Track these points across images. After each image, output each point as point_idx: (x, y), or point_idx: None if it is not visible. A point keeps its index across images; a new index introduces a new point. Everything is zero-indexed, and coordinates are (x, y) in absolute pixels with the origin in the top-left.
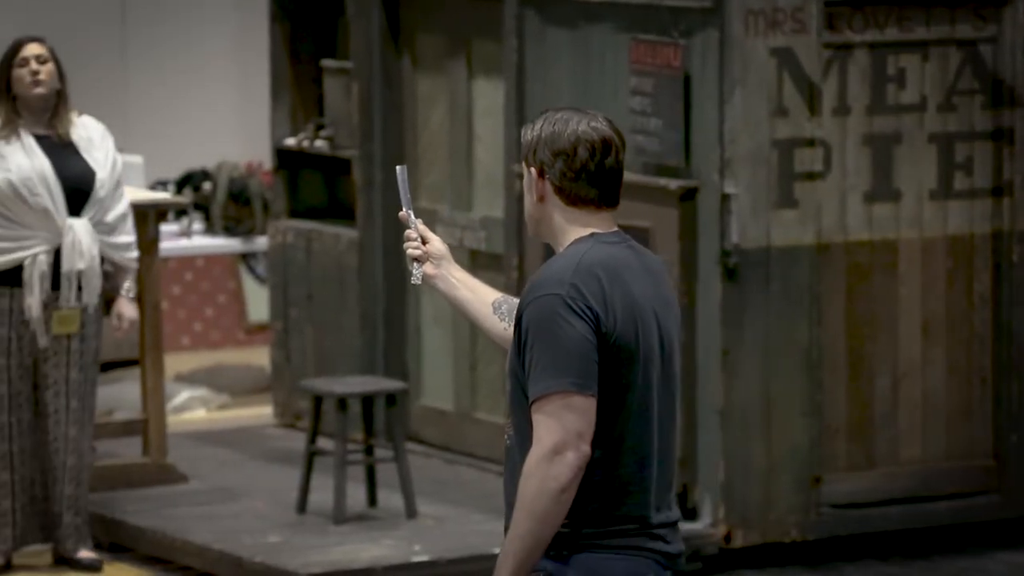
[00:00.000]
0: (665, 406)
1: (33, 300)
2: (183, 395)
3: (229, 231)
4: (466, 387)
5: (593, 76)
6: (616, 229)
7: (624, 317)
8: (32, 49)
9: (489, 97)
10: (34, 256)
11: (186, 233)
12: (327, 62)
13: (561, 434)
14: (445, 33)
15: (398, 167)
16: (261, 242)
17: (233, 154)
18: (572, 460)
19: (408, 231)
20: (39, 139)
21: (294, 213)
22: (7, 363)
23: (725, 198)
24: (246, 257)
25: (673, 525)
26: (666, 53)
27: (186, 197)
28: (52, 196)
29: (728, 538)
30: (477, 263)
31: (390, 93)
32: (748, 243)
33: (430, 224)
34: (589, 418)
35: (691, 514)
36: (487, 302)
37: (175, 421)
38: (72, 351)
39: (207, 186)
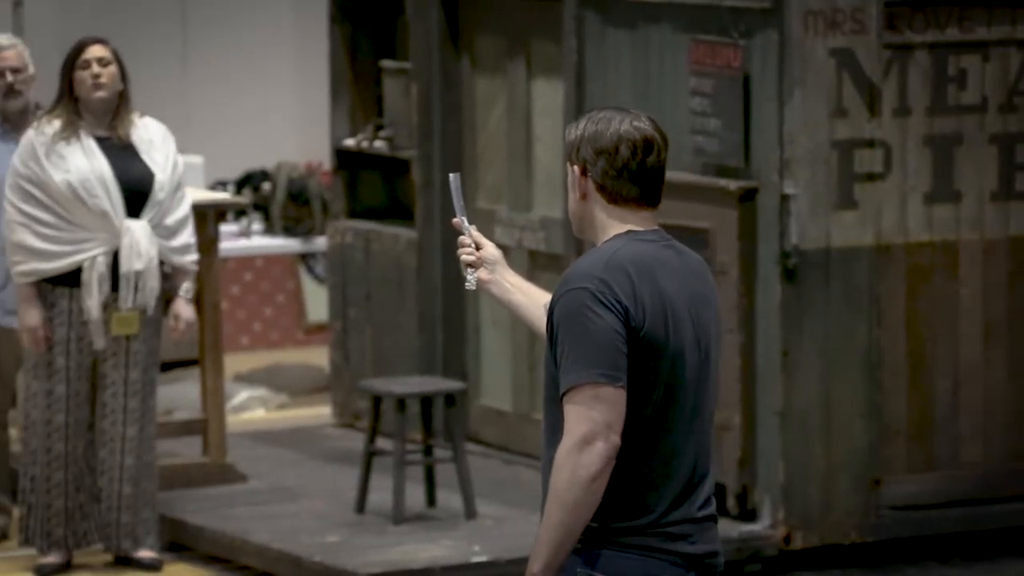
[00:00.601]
0: (699, 403)
1: (92, 302)
2: (242, 395)
3: (288, 231)
4: (524, 387)
5: (652, 77)
6: (656, 227)
7: (654, 313)
8: (95, 51)
9: (548, 97)
10: (93, 258)
11: (246, 233)
12: (386, 63)
13: (591, 424)
14: (504, 34)
15: (451, 175)
16: (320, 242)
17: (292, 154)
18: (602, 450)
19: (462, 237)
20: (100, 141)
21: (353, 213)
22: (66, 363)
23: (785, 199)
24: (305, 257)
25: (701, 522)
26: (726, 54)
27: (246, 197)
28: (110, 198)
29: (788, 540)
30: (536, 263)
31: (449, 94)
32: (808, 244)
33: (489, 224)
34: (619, 409)
35: (751, 515)
36: (540, 304)
37: (234, 421)
38: (131, 352)
39: (267, 186)
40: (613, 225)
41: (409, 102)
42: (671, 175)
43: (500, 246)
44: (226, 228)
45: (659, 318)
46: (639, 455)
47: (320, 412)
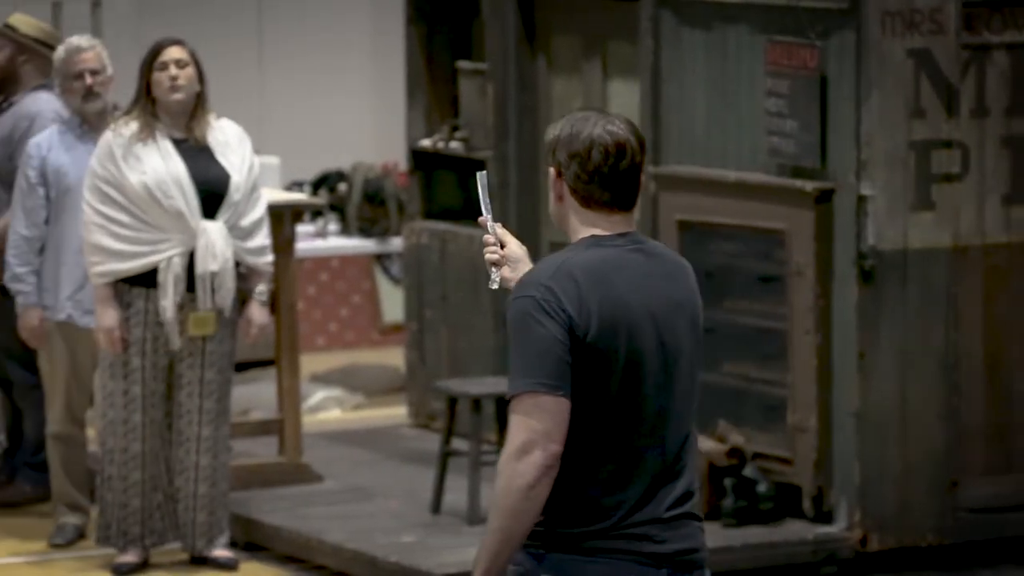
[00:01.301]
0: (667, 407)
1: (167, 302)
2: (318, 395)
3: (364, 232)
4: None
5: (729, 77)
6: (627, 231)
7: (603, 320)
8: (172, 53)
9: (624, 98)
10: (168, 259)
11: (322, 234)
12: (462, 63)
13: (528, 433)
14: (580, 34)
15: (479, 172)
16: (396, 243)
17: (368, 155)
18: (539, 459)
19: (487, 236)
20: (176, 142)
21: (429, 214)
22: (142, 363)
23: (862, 200)
24: (381, 258)
25: (670, 522)
26: (802, 54)
27: (322, 198)
28: (186, 199)
29: (864, 542)
30: None
31: (525, 94)
32: (885, 245)
33: None
34: (558, 418)
35: (826, 517)
36: None
37: (310, 421)
38: (207, 352)
39: (343, 187)
40: (583, 229)
41: (485, 103)
42: (748, 175)
43: None
44: (302, 229)
45: (610, 325)
46: (597, 460)
47: (396, 412)
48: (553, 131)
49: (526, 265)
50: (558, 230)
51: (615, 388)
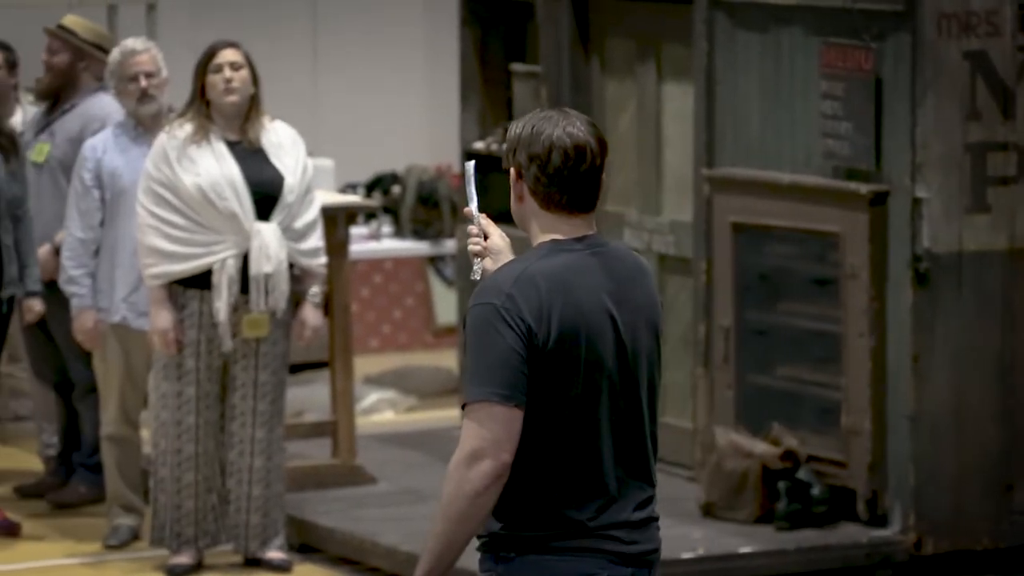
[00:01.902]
0: (629, 409)
1: (221, 304)
2: (372, 397)
3: (418, 234)
4: (664, 393)
5: (783, 80)
6: (587, 234)
7: (563, 328)
8: (227, 55)
9: (678, 100)
10: (223, 260)
11: (375, 236)
12: (516, 66)
13: (479, 442)
14: (634, 37)
15: (467, 162)
16: (449, 245)
17: (422, 157)
18: (487, 468)
19: (471, 227)
20: (230, 144)
21: None
22: (196, 365)
23: (916, 202)
24: (434, 260)
25: (638, 525)
26: (857, 57)
27: (375, 200)
28: (240, 201)
29: (918, 545)
30: (665, 267)
31: (579, 97)
32: (939, 248)
33: (618, 228)
34: (510, 428)
35: (881, 521)
36: None
37: (364, 423)
38: (261, 353)
39: (396, 189)
40: (543, 232)
41: (539, 105)
42: (802, 178)
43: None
44: (356, 231)
45: (571, 331)
46: (561, 465)
47: (449, 414)
48: (514, 130)
49: (507, 256)
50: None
51: (576, 392)
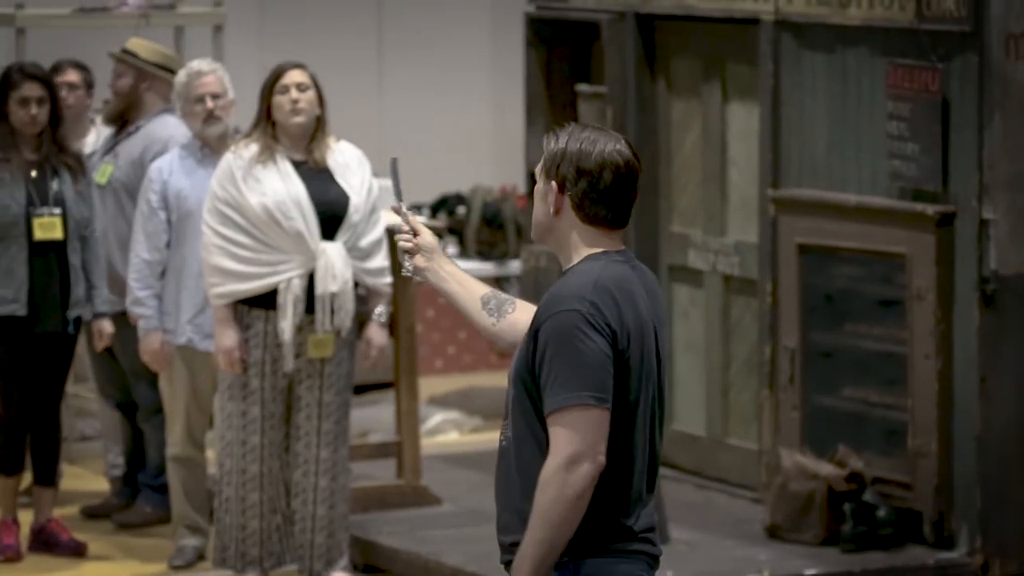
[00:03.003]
0: (657, 419)
1: (286, 324)
2: (437, 418)
3: (483, 255)
4: (718, 412)
5: (849, 100)
6: (623, 249)
7: (634, 335)
8: (293, 76)
9: (743, 121)
10: (288, 280)
11: None
12: (582, 87)
13: (579, 445)
14: (700, 57)
15: (392, 158)
16: (514, 266)
17: (487, 178)
18: (588, 470)
19: (400, 223)
20: (296, 164)
21: None
22: (261, 385)
23: (984, 224)
24: (499, 281)
25: (655, 529)
26: (924, 77)
27: (440, 221)
28: (306, 220)
29: (985, 567)
30: (730, 288)
31: (644, 117)
32: (1007, 269)
33: (682, 248)
34: (604, 430)
35: (948, 543)
36: (476, 297)
37: (429, 443)
38: (326, 374)
39: (461, 210)
40: (586, 246)
41: (605, 126)
42: (868, 199)
43: (694, 271)
44: None
45: (637, 340)
46: (618, 470)
47: None
48: (555, 144)
49: (440, 256)
50: (550, 244)
51: (633, 399)
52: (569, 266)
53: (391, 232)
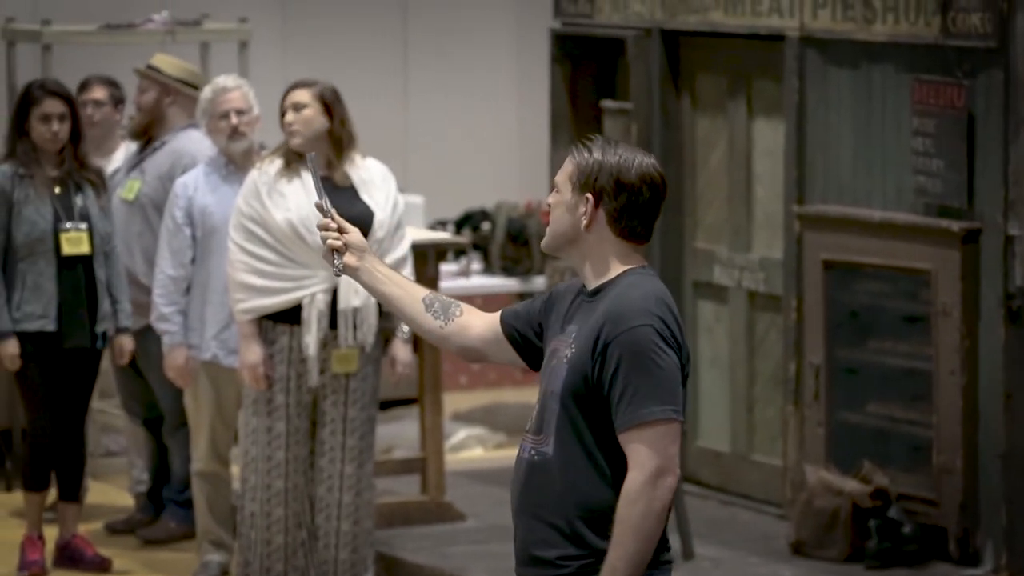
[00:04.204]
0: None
1: (310, 339)
2: (461, 434)
3: (507, 271)
4: (743, 429)
5: (874, 116)
6: (646, 264)
7: (687, 348)
8: (293, 96)
9: (769, 137)
10: (312, 295)
11: (465, 273)
12: (607, 103)
13: (663, 459)
14: (725, 73)
15: (308, 154)
16: (539, 282)
17: (512, 194)
18: (672, 483)
19: (325, 221)
20: (321, 180)
21: None
22: (285, 400)
23: (1009, 240)
24: (524, 296)
25: None
26: (949, 93)
27: (465, 237)
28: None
29: None
30: (755, 304)
31: (669, 133)
32: None
33: (708, 264)
34: (679, 443)
35: (973, 560)
36: (418, 299)
37: (453, 459)
38: (350, 389)
39: (486, 226)
40: (619, 260)
41: (629, 142)
42: (893, 215)
43: (719, 287)
44: (446, 267)
45: (687, 353)
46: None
47: None
48: (590, 157)
49: (372, 256)
50: (565, 254)
51: (686, 410)
52: (602, 280)
53: (416, 247)
